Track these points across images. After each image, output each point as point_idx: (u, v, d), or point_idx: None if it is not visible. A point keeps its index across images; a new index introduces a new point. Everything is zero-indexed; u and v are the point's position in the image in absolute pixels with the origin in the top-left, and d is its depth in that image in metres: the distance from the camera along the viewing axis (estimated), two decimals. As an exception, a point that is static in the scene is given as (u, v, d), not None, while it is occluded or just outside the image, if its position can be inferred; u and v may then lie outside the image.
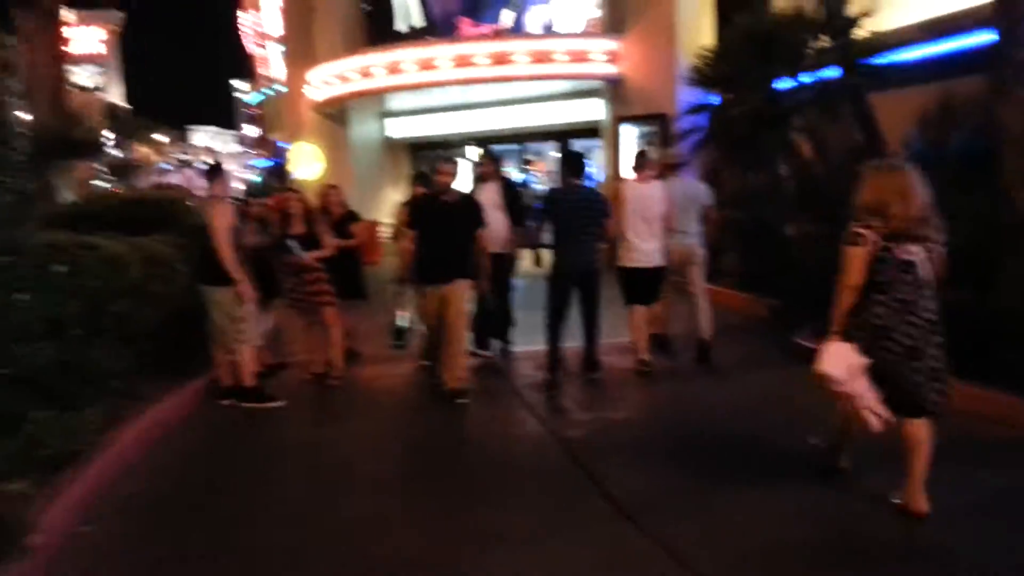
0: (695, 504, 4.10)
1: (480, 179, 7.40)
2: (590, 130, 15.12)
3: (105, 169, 29.51)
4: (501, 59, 13.88)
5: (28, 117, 10.10)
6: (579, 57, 13.83)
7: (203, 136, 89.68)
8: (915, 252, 3.67)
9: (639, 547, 3.67)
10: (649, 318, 6.84)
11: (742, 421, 5.38)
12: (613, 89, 14.08)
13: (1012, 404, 5.01)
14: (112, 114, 48.37)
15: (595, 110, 14.79)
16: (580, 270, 6.34)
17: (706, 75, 9.48)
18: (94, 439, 4.70)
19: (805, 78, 8.47)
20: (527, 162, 17.83)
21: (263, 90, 25.03)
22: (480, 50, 14.04)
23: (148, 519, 4.27)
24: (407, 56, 14.59)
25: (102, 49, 55.97)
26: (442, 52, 14.28)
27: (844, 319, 3.76)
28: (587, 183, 6.76)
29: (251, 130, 51.21)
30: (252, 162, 39.98)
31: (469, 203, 6.37)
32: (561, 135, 16.25)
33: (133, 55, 75.28)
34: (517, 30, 15.32)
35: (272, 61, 22.93)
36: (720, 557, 3.52)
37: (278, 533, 3.99)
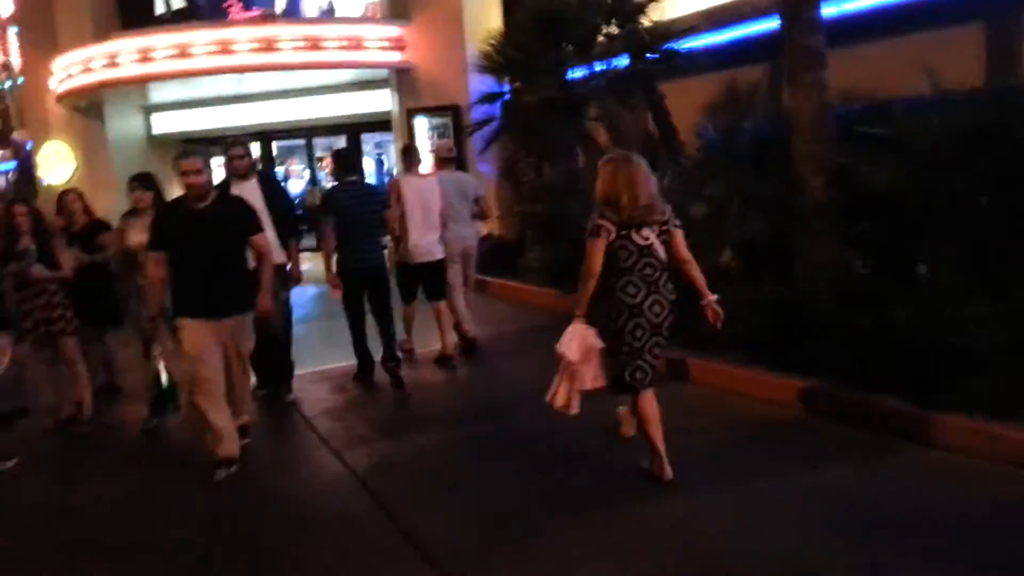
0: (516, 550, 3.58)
1: (234, 177, 5.85)
2: (382, 123, 14.34)
3: None
4: (268, 45, 12.69)
5: None
6: (355, 44, 12.94)
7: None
8: (650, 237, 3.95)
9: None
10: (448, 314, 6.87)
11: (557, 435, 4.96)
12: (401, 79, 13.38)
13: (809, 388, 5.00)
14: None
15: (385, 102, 14.03)
16: (366, 267, 6.20)
17: (496, 62, 9.04)
18: None
19: (599, 66, 8.24)
20: (319, 159, 16.73)
21: (5, 81, 21.76)
22: (243, 35, 12.76)
23: None
24: (160, 42, 12.99)
25: None
26: (200, 37, 12.82)
27: (587, 304, 3.97)
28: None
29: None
30: (-2, 165, 35.26)
31: (232, 205, 4.87)
32: (351, 128, 15.32)
33: None
34: (292, 14, 14.19)
35: (11, 46, 19.97)
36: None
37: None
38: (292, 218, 6.30)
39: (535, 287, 8.89)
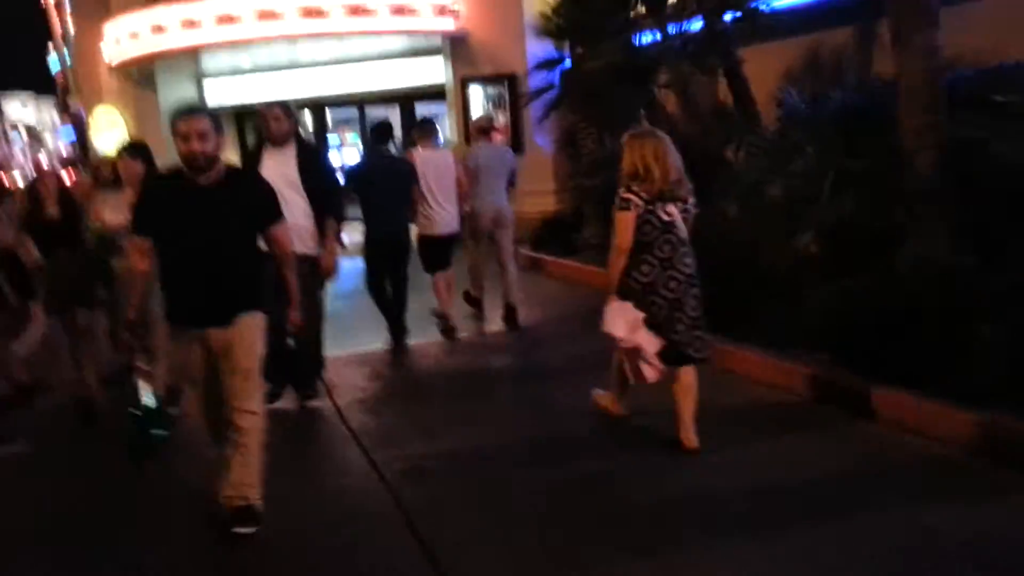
0: None
1: (268, 142, 5.07)
2: (436, 93, 13.75)
3: None
4: (312, 12, 12.26)
5: None
6: (402, 10, 12.38)
7: (17, 105, 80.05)
8: (673, 213, 3.96)
9: None
10: (449, 284, 6.85)
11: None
12: (455, 47, 12.75)
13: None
14: None
15: (438, 71, 13.43)
16: (392, 240, 6.23)
17: (556, 24, 8.31)
18: None
19: (671, 28, 7.46)
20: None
21: (64, 50, 21.84)
22: (288, 3, 12.36)
23: None
24: (203, 11, 12.68)
25: None
26: (245, 6, 12.49)
27: (620, 280, 4.00)
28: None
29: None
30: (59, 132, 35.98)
31: (246, 184, 3.77)
32: (404, 98, 14.79)
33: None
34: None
35: (67, 15, 20.02)
36: None
37: None
38: (333, 197, 5.36)
39: (595, 267, 8.19)
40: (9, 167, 42.65)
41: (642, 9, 7.60)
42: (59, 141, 36.31)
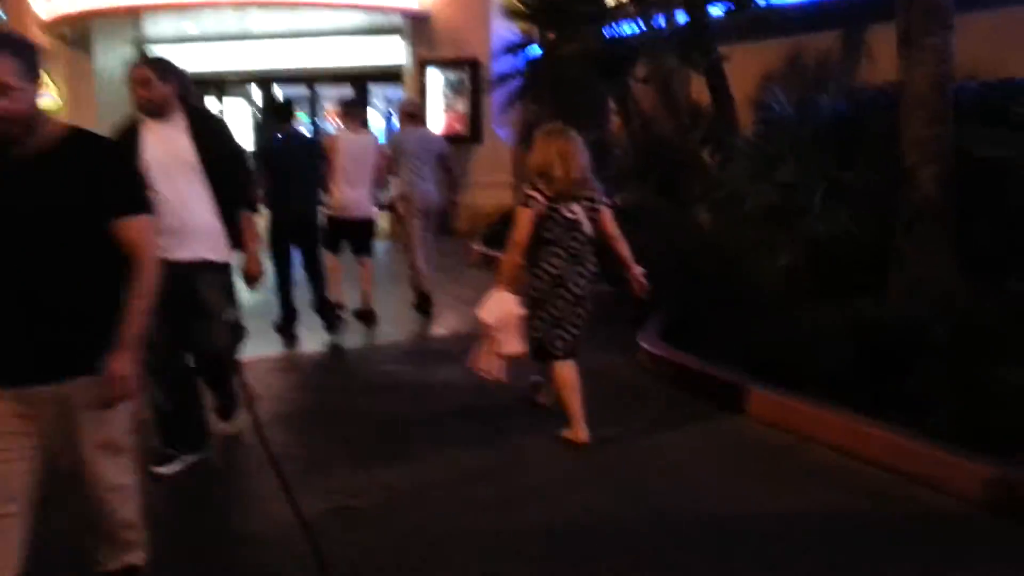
0: None
1: (148, 112, 3.67)
2: (392, 75, 13.05)
3: None
4: None
5: None
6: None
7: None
8: (577, 211, 4.05)
9: None
10: (369, 270, 6.77)
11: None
12: (416, 27, 12.07)
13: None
14: None
15: (397, 51, 12.72)
16: (298, 219, 6.06)
17: (527, 6, 7.70)
18: None
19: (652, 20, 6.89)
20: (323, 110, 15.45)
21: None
22: None
23: None
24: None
25: None
26: None
27: (511, 272, 4.09)
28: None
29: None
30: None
31: (89, 156, 2.33)
32: (358, 78, 14.04)
33: None
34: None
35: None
36: None
37: None
38: (241, 179, 4.11)
39: None
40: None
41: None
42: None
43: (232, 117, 15.33)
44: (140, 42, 14.86)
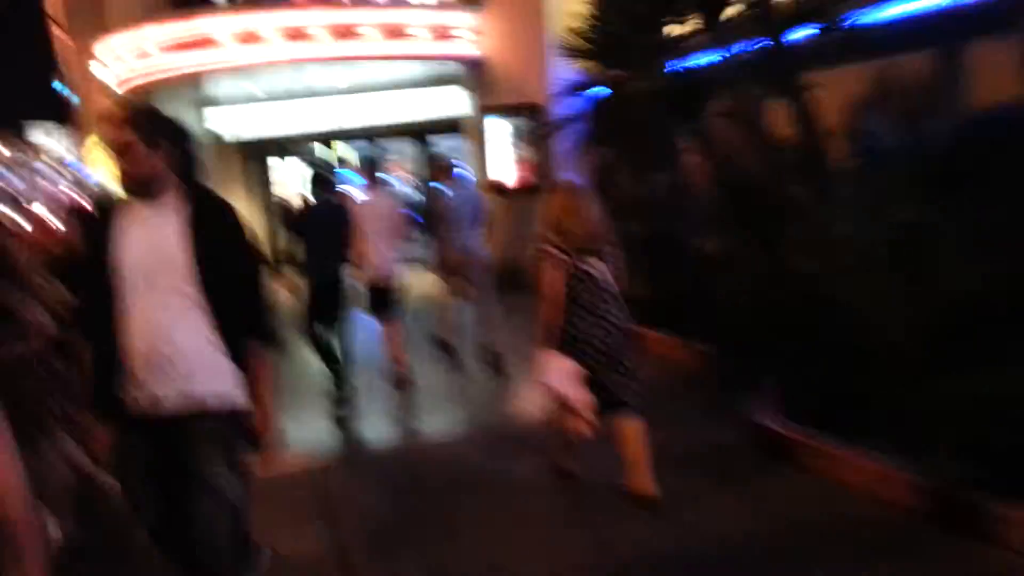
0: None
1: (128, 188, 2.83)
2: (452, 126, 12.65)
3: None
4: (345, 32, 11.14)
5: None
6: (441, 33, 11.30)
7: (42, 135, 79.67)
8: (595, 264, 4.04)
9: None
10: (397, 335, 6.69)
11: None
12: (474, 74, 11.64)
13: None
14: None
15: (456, 101, 12.31)
16: (326, 281, 5.97)
17: (590, 41, 7.00)
18: None
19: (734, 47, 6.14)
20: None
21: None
22: (317, 20, 11.24)
23: None
24: (223, 26, 11.57)
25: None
26: (269, 21, 11.36)
27: (551, 331, 4.01)
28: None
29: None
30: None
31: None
32: (420, 132, 13.73)
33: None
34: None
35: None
36: None
37: None
38: (254, 295, 2.95)
39: (644, 328, 6.70)
40: (31, 200, 41.98)
41: (691, 21, 6.29)
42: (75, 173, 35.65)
43: (294, 177, 15.29)
44: (202, 104, 14.90)
